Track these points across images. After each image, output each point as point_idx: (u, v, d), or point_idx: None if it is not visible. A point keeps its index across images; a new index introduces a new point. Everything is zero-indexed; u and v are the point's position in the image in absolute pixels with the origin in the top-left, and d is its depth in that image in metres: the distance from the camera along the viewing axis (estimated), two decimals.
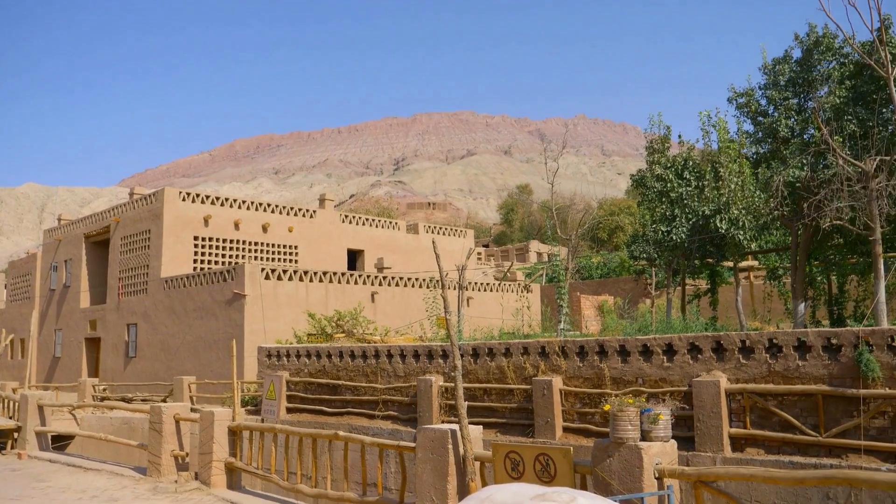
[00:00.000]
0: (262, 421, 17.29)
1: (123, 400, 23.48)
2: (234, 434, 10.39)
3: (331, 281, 26.51)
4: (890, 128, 14.13)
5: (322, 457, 11.53)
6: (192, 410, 13.00)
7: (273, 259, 31.08)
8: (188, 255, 28.40)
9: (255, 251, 30.53)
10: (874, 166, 12.65)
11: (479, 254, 59.79)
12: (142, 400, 23.38)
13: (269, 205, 31.97)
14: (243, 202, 30.98)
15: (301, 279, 25.60)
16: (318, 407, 17.10)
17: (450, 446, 7.43)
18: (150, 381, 26.25)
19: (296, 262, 31.68)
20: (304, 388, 17.66)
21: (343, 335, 21.05)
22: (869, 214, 12.71)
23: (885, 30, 13.90)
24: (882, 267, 12.54)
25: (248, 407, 19.32)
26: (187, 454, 11.13)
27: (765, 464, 9.98)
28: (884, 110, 14.33)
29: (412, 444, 8.04)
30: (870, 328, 9.96)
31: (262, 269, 24.41)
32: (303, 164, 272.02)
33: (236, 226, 29.95)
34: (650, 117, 19.04)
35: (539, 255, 64.75)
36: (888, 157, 12.89)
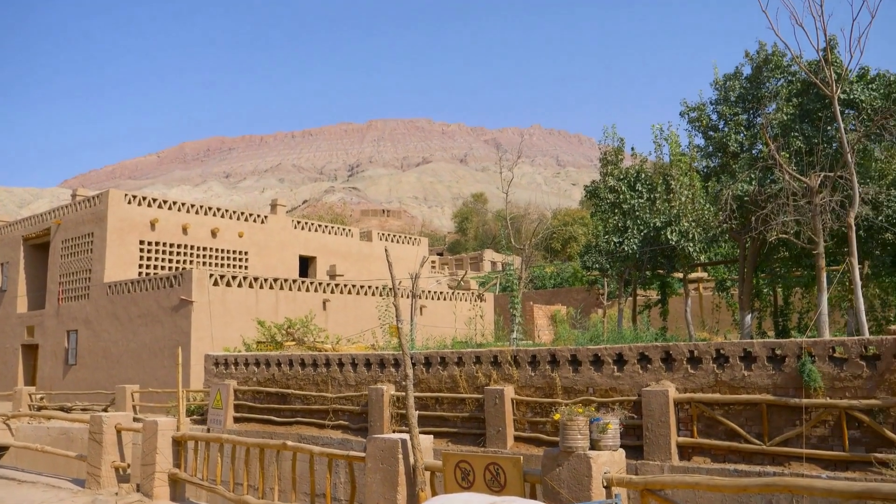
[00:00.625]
0: (208, 431, 16.92)
1: (62, 409, 22.69)
2: (178, 444, 10.12)
3: (281, 288, 26.14)
4: (834, 145, 14.55)
5: (270, 467, 11.31)
6: (135, 420, 12.64)
7: (222, 265, 30.53)
8: (133, 260, 27.70)
9: (204, 256, 29.95)
10: (818, 182, 13.00)
11: (433, 262, 59.78)
12: (81, 409, 22.63)
13: (218, 209, 31.42)
14: (192, 206, 30.39)
15: (251, 286, 25.19)
16: (266, 416, 16.80)
17: (400, 456, 7.34)
18: (90, 389, 25.46)
19: (246, 268, 31.19)
20: (252, 398, 17.33)
21: (293, 343, 20.76)
22: (813, 229, 13.05)
23: (831, 50, 14.32)
24: (825, 280, 12.87)
25: (194, 416, 18.88)
26: (129, 465, 10.80)
27: (711, 472, 10.12)
28: (828, 128, 14.76)
29: (362, 454, 7.93)
30: (812, 339, 10.20)
31: (211, 275, 23.94)
32: (255, 169, 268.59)
33: (184, 230, 29.35)
34: (604, 129, 19.31)
35: (493, 264, 65.06)
36: (832, 174, 13.26)
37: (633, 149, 19.46)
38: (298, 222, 34.85)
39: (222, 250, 30.70)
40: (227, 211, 31.75)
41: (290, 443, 8.78)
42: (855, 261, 12.41)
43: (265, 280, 25.81)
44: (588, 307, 31.75)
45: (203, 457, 9.92)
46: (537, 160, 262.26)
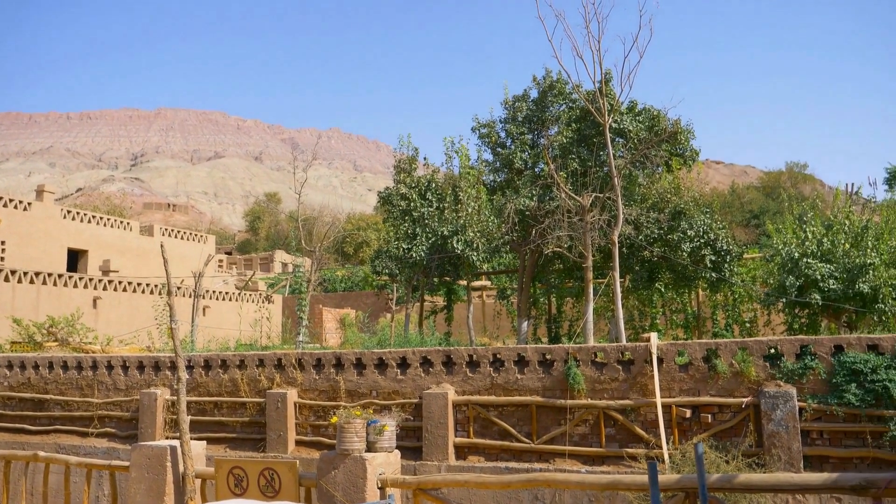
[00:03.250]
0: None
1: None
2: None
3: (44, 283, 23.70)
4: (605, 169, 15.90)
5: (18, 481, 10.18)
6: None
7: None
8: None
9: None
10: (590, 202, 14.15)
11: (220, 261, 57.31)
12: None
13: None
14: None
15: (7, 279, 22.57)
16: (18, 425, 15.11)
17: (168, 464, 6.93)
18: None
19: (2, 259, 27.88)
20: (1, 404, 15.50)
21: (56, 344, 18.89)
22: (583, 244, 14.17)
23: (606, 83, 15.67)
24: (591, 291, 14.01)
25: None
26: None
27: (484, 470, 10.63)
28: (601, 153, 16.11)
29: (126, 463, 7.39)
30: (578, 346, 11.09)
31: None
32: (20, 150, 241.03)
33: None
34: (400, 138, 19.60)
35: (284, 265, 63.68)
36: (601, 195, 14.50)
37: (425, 159, 19.95)
38: (69, 211, 31.80)
39: None
40: None
41: (42, 453, 7.97)
42: (617, 274, 13.65)
43: (24, 273, 23.24)
44: (377, 311, 32.12)
45: None
46: (335, 163, 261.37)
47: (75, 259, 31.99)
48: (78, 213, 32.26)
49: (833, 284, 12.42)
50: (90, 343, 19.94)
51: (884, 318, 12.46)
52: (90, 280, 25.58)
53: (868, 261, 12.24)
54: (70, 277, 24.82)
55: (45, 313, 21.66)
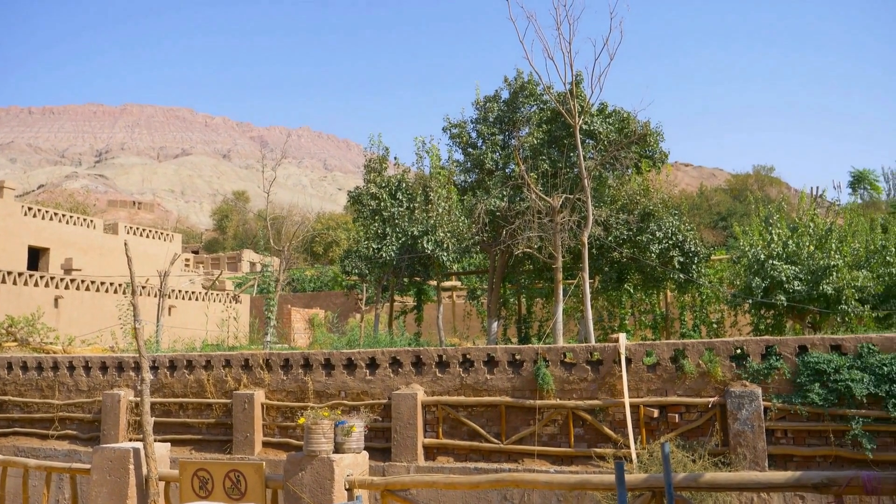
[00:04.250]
0: None
1: None
2: None
3: (4, 281, 23.15)
4: (575, 170, 15.97)
5: None
6: None
7: None
8: None
9: None
10: (560, 203, 14.20)
11: (186, 260, 56.58)
12: None
13: None
14: None
15: None
16: None
17: (131, 466, 6.78)
18: None
19: None
20: None
21: (15, 344, 18.47)
22: (553, 245, 14.21)
23: (577, 85, 15.74)
24: (561, 292, 14.06)
25: None
26: None
27: (454, 471, 10.60)
28: (571, 154, 16.17)
29: (88, 466, 7.23)
30: (547, 346, 11.11)
31: None
32: None
33: None
34: (371, 137, 19.47)
35: (252, 265, 63.11)
36: (571, 196, 14.56)
37: (396, 158, 19.88)
38: (30, 208, 31.13)
39: None
40: None
41: None
42: (586, 275, 13.71)
43: None
44: (347, 311, 31.94)
45: None
46: (305, 162, 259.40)
47: (36, 257, 31.33)
48: (39, 210, 31.60)
49: (798, 286, 12.61)
50: (51, 343, 19.54)
51: (846, 318, 12.69)
52: (51, 279, 25.06)
53: (832, 263, 12.45)
54: (31, 276, 24.28)
55: (4, 313, 21.17)
